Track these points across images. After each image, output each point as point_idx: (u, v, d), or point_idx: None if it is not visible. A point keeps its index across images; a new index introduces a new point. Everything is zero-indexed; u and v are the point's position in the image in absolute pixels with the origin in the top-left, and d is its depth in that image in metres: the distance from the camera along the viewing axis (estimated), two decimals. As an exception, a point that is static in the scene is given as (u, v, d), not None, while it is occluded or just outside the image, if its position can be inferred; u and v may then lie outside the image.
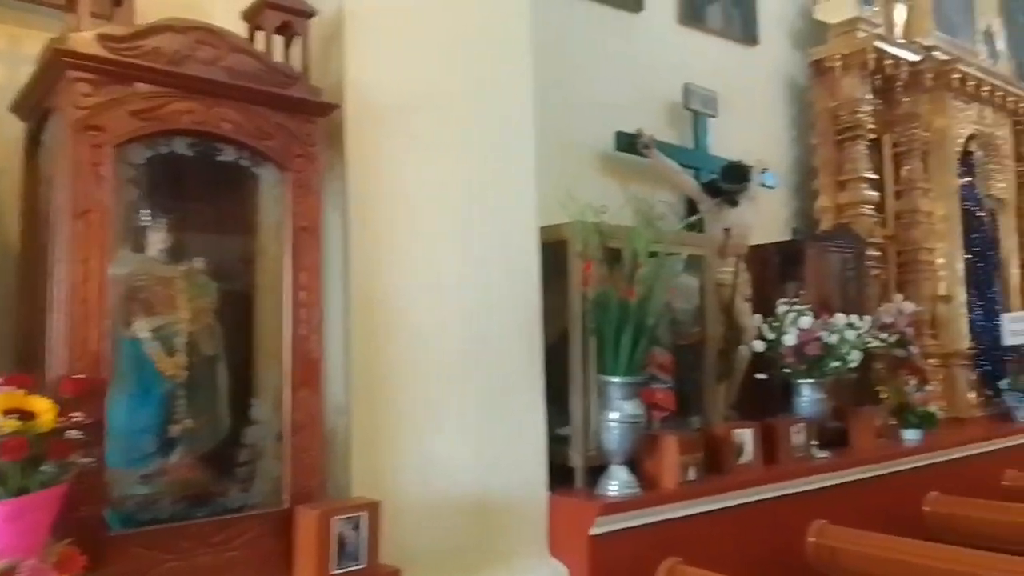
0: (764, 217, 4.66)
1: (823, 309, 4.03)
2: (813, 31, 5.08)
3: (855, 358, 3.81)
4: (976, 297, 5.47)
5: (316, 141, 2.25)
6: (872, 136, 5.04)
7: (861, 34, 4.82)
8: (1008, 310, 5.69)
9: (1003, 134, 5.85)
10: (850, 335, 3.76)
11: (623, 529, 2.83)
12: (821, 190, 4.96)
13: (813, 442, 3.84)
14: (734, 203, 4.11)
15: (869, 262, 4.87)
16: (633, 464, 3.02)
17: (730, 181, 4.01)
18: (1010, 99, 5.71)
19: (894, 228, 5.36)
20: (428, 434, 2.52)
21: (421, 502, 2.49)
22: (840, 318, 3.83)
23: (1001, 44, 6.35)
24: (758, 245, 4.39)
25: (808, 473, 3.55)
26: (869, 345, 3.88)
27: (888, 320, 4.56)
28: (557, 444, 3.10)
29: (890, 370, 4.53)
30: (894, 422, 4.44)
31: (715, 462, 3.37)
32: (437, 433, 2.55)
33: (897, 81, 5.19)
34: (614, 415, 2.90)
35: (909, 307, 4.60)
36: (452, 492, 2.57)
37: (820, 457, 3.79)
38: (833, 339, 3.73)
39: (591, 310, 2.96)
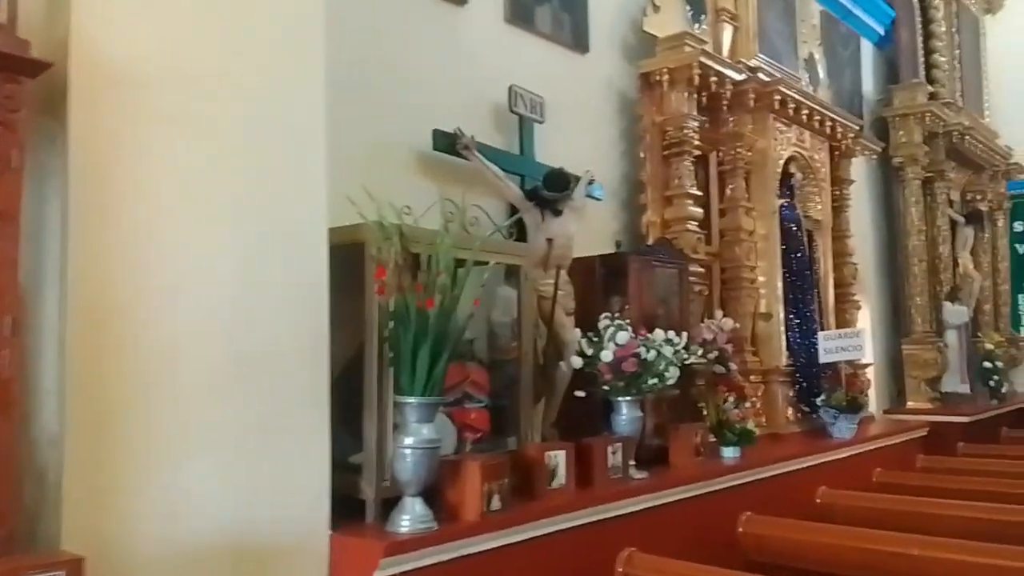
0: (592, 229, 4.52)
1: (645, 324, 3.90)
2: (643, 44, 5.00)
3: (673, 375, 3.68)
4: (794, 315, 5.57)
5: (21, 106, 1.80)
6: (698, 153, 5.01)
7: (688, 49, 4.78)
8: (824, 328, 5.84)
9: (820, 158, 6.04)
10: (667, 351, 3.63)
11: (416, 569, 2.51)
12: (648, 205, 4.88)
13: (631, 462, 3.68)
14: (557, 212, 3.91)
15: (693, 278, 4.83)
16: (432, 494, 2.71)
17: (551, 189, 3.80)
18: (827, 123, 5.90)
19: (719, 245, 5.38)
20: (175, 468, 2.10)
21: (164, 550, 2.06)
22: (659, 334, 3.70)
23: (822, 72, 6.59)
24: (583, 258, 4.22)
25: (623, 496, 3.37)
26: (686, 361, 3.76)
27: (708, 336, 4.51)
28: (351, 474, 2.75)
29: (710, 387, 4.47)
30: (714, 439, 4.39)
31: (527, 487, 3.12)
32: (187, 466, 2.13)
33: (723, 100, 5.21)
34: (408, 440, 2.58)
35: (728, 324, 4.57)
36: (207, 535, 2.16)
37: (638, 478, 3.63)
38: (650, 355, 3.58)
39: (386, 321, 2.63)
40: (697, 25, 5.28)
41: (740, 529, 3.74)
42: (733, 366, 4.53)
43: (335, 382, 2.70)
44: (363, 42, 3.52)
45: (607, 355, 3.50)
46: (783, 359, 5.37)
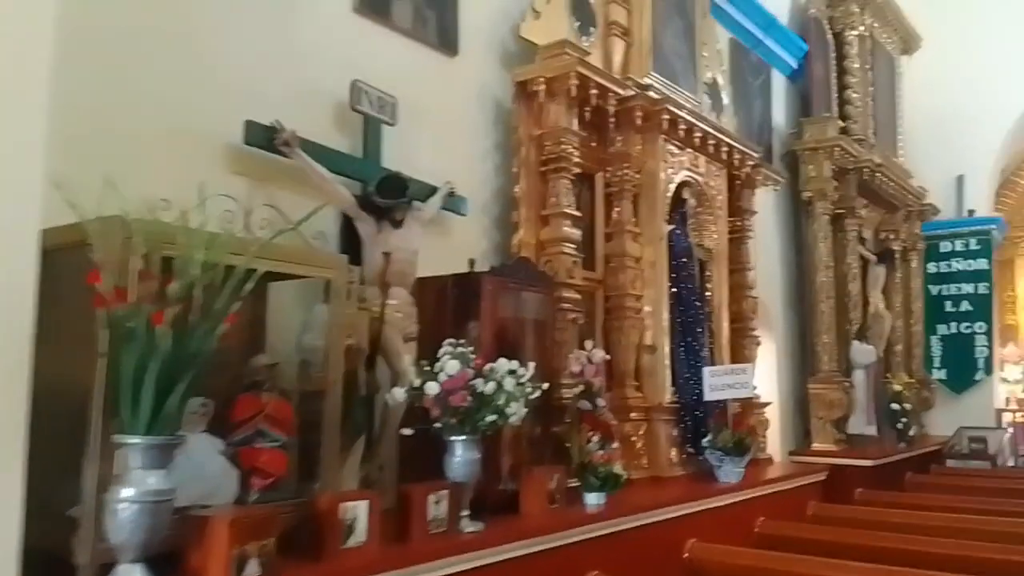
0: (458, 247, 4.05)
1: (500, 353, 3.43)
2: (524, 51, 4.60)
3: (516, 411, 3.20)
4: (683, 349, 5.17)
5: None
6: (578, 171, 4.60)
7: (567, 59, 4.38)
8: (717, 363, 5.46)
9: (717, 185, 5.70)
10: (509, 384, 3.16)
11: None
12: (520, 223, 4.44)
13: (464, 512, 3.19)
14: (397, 223, 3.45)
15: (567, 304, 4.39)
16: (168, 560, 2.18)
17: (385, 195, 3.35)
18: (723, 149, 5.56)
19: (603, 271, 4.96)
20: None
21: None
22: (502, 364, 3.23)
23: (726, 98, 6.29)
24: (434, 277, 3.75)
25: (441, 555, 2.86)
26: (532, 396, 3.29)
27: (575, 369, 4.07)
28: (68, 530, 2.20)
29: (575, 425, 4.01)
30: (577, 483, 3.92)
31: (316, 547, 2.60)
32: None
33: (608, 116, 4.83)
34: (127, 492, 2.04)
35: (599, 355, 4.13)
36: None
37: (469, 531, 3.13)
38: (488, 388, 3.10)
39: (110, 340, 2.11)
40: (585, 38, 4.92)
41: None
42: (601, 402, 4.08)
43: (63, 414, 2.17)
44: (170, 15, 3.02)
45: (433, 387, 3.01)
46: (667, 395, 4.96)
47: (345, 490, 2.90)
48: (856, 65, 8.45)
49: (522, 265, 3.87)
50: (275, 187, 3.27)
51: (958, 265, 10.10)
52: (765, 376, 7.38)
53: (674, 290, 5.20)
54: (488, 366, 3.16)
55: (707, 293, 5.63)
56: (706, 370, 4.94)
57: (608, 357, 4.18)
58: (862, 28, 8.54)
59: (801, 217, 7.86)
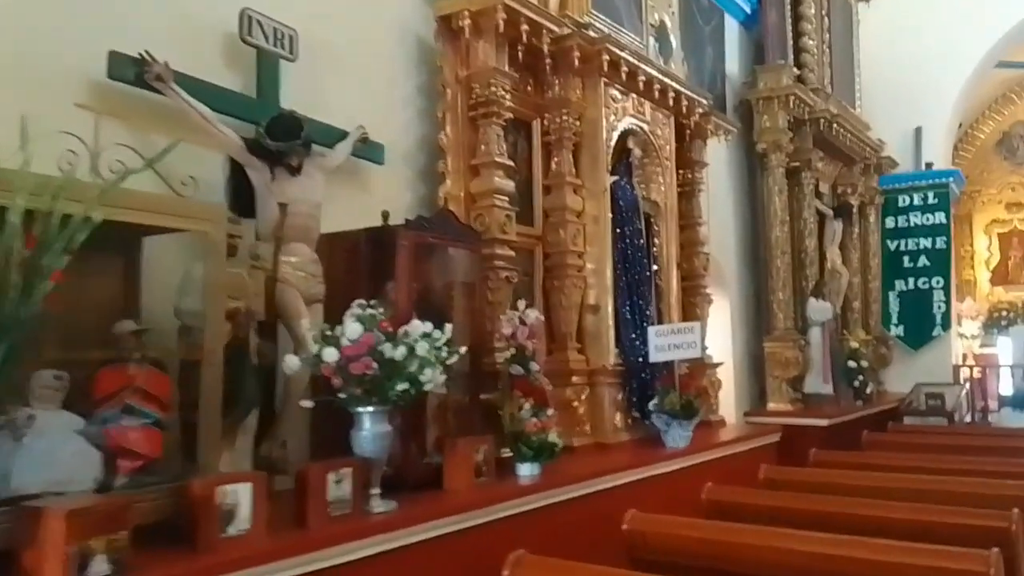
0: (378, 200, 3.69)
1: (418, 315, 3.11)
2: (451, -14, 4.20)
3: (431, 378, 2.89)
4: (628, 308, 4.89)
5: None
6: (511, 116, 4.25)
7: (493, -10, 4.00)
8: (665, 323, 5.19)
9: (664, 134, 5.39)
10: (423, 348, 2.84)
11: None
12: (447, 174, 4.09)
13: (374, 491, 2.88)
14: (294, 170, 3.08)
15: (500, 263, 4.07)
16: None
17: (276, 137, 2.97)
18: (669, 95, 5.23)
19: (542, 227, 4.64)
20: None
21: None
22: (415, 326, 2.91)
23: (675, 42, 5.95)
24: (345, 232, 3.41)
25: (340, 540, 2.55)
26: (450, 361, 2.97)
27: (507, 331, 3.76)
28: None
29: (506, 392, 3.71)
30: (510, 454, 3.64)
31: (191, 536, 2.28)
32: None
33: (544, 58, 4.48)
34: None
35: (532, 316, 3.82)
36: None
37: (378, 511, 2.83)
38: (398, 353, 2.78)
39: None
40: (519, -28, 4.53)
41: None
42: (535, 366, 3.78)
43: None
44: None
45: (331, 354, 2.67)
46: (611, 358, 4.68)
47: (232, 471, 2.57)
48: (812, 11, 8.15)
49: (444, 218, 3.52)
50: (151, 130, 2.88)
51: (916, 220, 9.93)
52: (719, 335, 7.17)
53: (619, 247, 4.89)
54: (402, 329, 2.83)
55: (654, 249, 5.33)
56: (651, 330, 4.66)
57: (542, 318, 3.86)
58: (818, -27, 8.23)
59: (755, 170, 7.59)
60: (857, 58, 9.29)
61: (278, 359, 2.94)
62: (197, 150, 2.95)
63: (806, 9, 8.11)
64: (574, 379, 4.50)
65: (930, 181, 9.86)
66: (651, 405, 4.69)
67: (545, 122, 4.67)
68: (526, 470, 3.59)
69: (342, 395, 2.79)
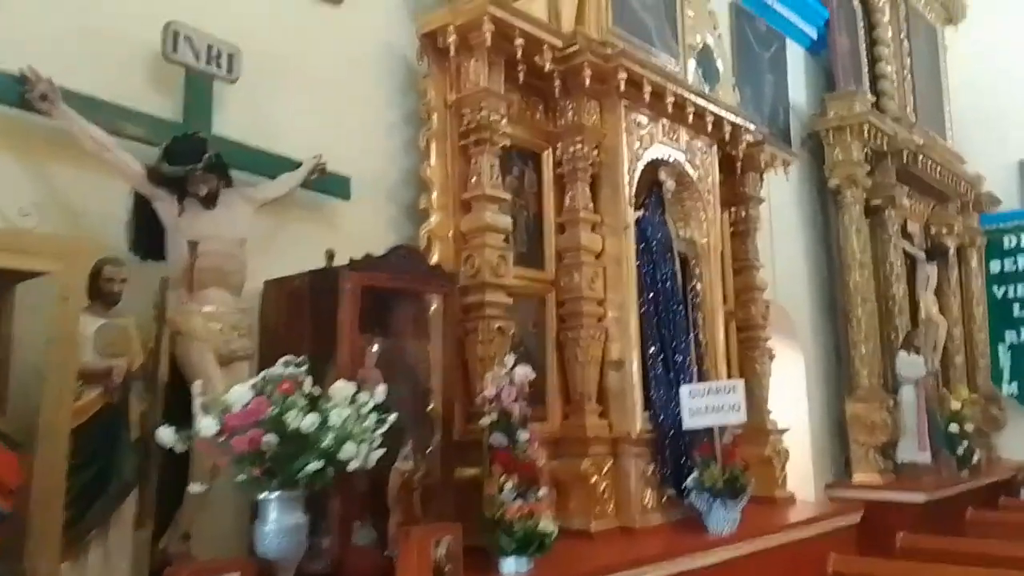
0: (353, 241, 3.10)
1: (355, 375, 2.53)
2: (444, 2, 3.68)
3: (352, 453, 2.27)
4: (661, 364, 4.14)
5: None
6: (507, 143, 3.64)
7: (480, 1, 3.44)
8: (711, 380, 4.40)
9: (706, 164, 4.67)
10: (337, 417, 2.23)
11: None
12: (432, 210, 3.52)
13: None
14: (208, 203, 2.56)
15: (493, 311, 3.45)
16: None
17: (175, 162, 2.46)
18: (711, 120, 4.52)
19: (555, 270, 4.00)
20: None
21: None
22: (338, 389, 2.31)
23: (721, 66, 5.28)
24: (283, 278, 2.87)
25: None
26: (379, 431, 2.35)
27: (490, 392, 3.10)
28: None
29: (486, 466, 3.04)
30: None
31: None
32: None
33: (552, 79, 3.90)
34: None
35: (521, 372, 3.14)
36: None
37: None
38: (306, 423, 2.18)
39: None
40: (518, -14, 4.00)
41: None
42: (523, 435, 3.09)
43: None
44: None
45: (208, 425, 2.09)
46: (638, 423, 3.92)
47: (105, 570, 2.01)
48: (889, 35, 7.33)
49: (404, 257, 2.92)
50: (42, 157, 2.43)
51: (1025, 263, 8.75)
52: (790, 395, 6.27)
53: (649, 292, 4.18)
54: (296, 391, 2.24)
55: (694, 295, 4.57)
56: (684, 389, 3.90)
57: (533, 375, 3.18)
58: (894, -8, 7.42)
59: (829, 208, 6.73)
60: (946, 85, 8.33)
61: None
62: (95, 178, 2.48)
63: (882, 32, 7.29)
64: (593, 448, 3.78)
65: (1039, 220, 8.69)
66: (689, 481, 3.90)
67: (558, 152, 4.06)
68: (510, 567, 2.89)
69: (239, 478, 2.20)
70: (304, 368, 2.34)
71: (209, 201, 2.53)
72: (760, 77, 6.24)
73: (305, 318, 2.82)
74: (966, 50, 8.63)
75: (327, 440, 2.20)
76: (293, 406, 2.19)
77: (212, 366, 2.49)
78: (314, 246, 2.94)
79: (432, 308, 3.33)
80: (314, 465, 2.20)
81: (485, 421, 3.05)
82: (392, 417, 2.39)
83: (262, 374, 2.32)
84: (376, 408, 2.39)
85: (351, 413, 2.28)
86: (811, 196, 6.74)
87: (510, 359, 3.20)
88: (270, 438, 2.11)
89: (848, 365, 6.52)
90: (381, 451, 2.43)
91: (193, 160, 2.46)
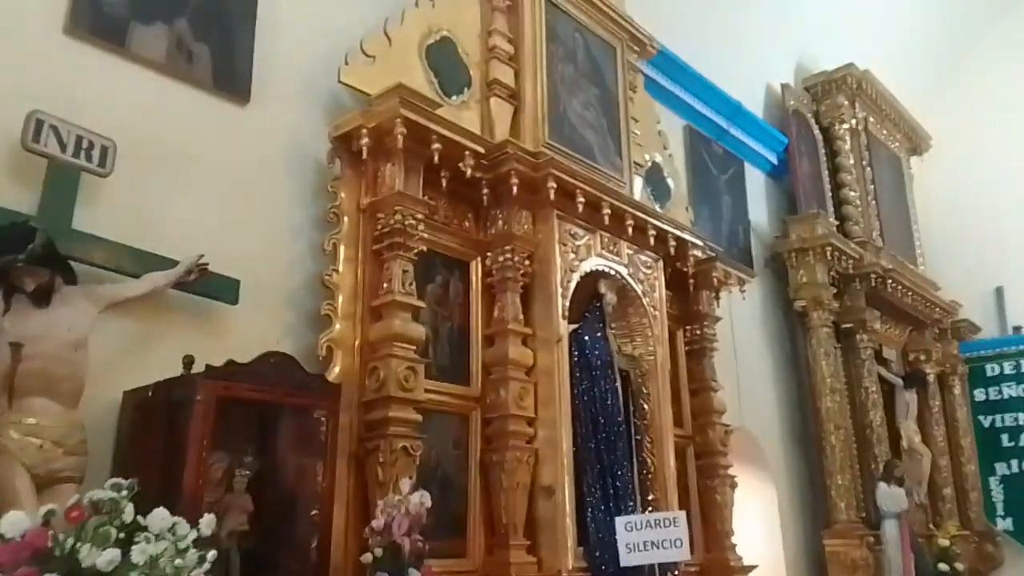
0: (239, 348, 2.75)
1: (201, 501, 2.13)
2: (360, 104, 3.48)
3: (158, 596, 1.83)
4: (599, 492, 3.69)
5: None
6: (423, 248, 3.36)
7: (393, 103, 3.23)
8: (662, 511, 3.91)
9: (650, 279, 4.36)
10: (139, 554, 1.81)
11: None
12: (336, 318, 3.19)
13: None
14: (39, 301, 2.23)
15: (400, 428, 3.05)
16: None
17: (-5, 251, 2.15)
18: (651, 233, 4.22)
19: (480, 386, 3.62)
20: None
21: None
22: (156, 518, 1.90)
23: (673, 185, 5.10)
24: (138, 388, 2.51)
25: None
26: (195, 571, 1.92)
27: (378, 523, 2.66)
28: None
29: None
30: None
31: None
32: None
33: (480, 188, 3.67)
34: None
35: (417, 501, 2.71)
36: None
37: None
38: (102, 561, 1.76)
39: None
40: (456, 96, 3.86)
41: None
42: (416, 574, 2.61)
43: None
44: None
45: (-31, 557, 1.68)
46: (571, 559, 3.42)
47: None
48: (851, 161, 7.24)
49: (275, 365, 2.56)
50: None
51: (1010, 391, 8.28)
52: (762, 528, 5.72)
53: (586, 412, 3.79)
54: (91, 520, 1.83)
55: (640, 417, 4.16)
56: (619, 521, 3.42)
57: (428, 504, 2.74)
58: (853, 122, 7.38)
59: (796, 331, 6.38)
60: (914, 213, 8.18)
61: None
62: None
63: (844, 160, 7.21)
64: (524, 589, 3.27)
65: (1020, 347, 8.30)
66: (631, 627, 3.37)
67: (488, 261, 3.78)
68: None
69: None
70: (126, 492, 1.94)
71: (40, 298, 2.21)
72: (718, 198, 6.07)
73: (159, 433, 2.43)
74: (937, 178, 8.57)
75: (129, 578, 1.77)
76: (92, 538, 1.77)
77: (23, 486, 2.08)
78: (199, 354, 2.59)
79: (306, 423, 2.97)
80: (110, 612, 1.76)
81: (367, 558, 2.59)
82: (211, 554, 1.96)
83: (80, 496, 1.93)
84: (201, 542, 1.96)
85: (168, 548, 1.86)
86: (777, 318, 6.42)
87: (406, 484, 2.78)
88: (49, 579, 1.69)
89: (824, 497, 5.98)
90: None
91: (14, 250, 2.15)
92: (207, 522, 1.98)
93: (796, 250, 6.29)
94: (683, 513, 3.52)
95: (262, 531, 2.61)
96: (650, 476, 4.07)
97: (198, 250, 2.84)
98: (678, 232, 4.44)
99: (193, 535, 1.93)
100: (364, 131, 3.28)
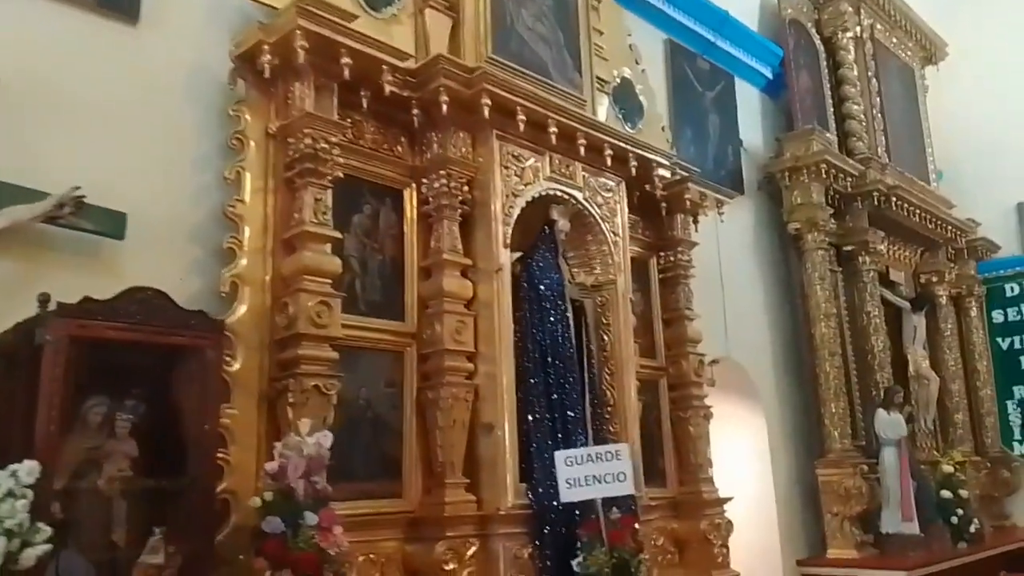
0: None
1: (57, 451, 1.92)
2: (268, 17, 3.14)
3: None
4: (547, 428, 3.43)
5: None
6: (339, 174, 3.06)
7: (290, 14, 2.91)
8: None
9: (610, 203, 4.01)
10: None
11: None
12: (241, 252, 2.93)
13: None
14: None
15: (311, 366, 2.82)
16: None
17: None
18: (608, 154, 3.86)
19: (415, 321, 3.36)
20: None
21: None
22: None
23: (646, 102, 4.69)
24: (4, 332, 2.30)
25: None
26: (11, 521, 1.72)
27: (272, 467, 2.45)
28: None
29: (248, 559, 2.36)
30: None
31: None
32: None
33: (411, 109, 3.35)
34: None
35: (315, 443, 2.48)
36: None
37: None
38: None
39: None
40: (385, 8, 3.50)
41: None
42: (312, 518, 2.41)
43: None
44: None
45: None
46: (510, 496, 3.20)
47: None
48: (855, 73, 6.68)
49: (142, 302, 2.32)
50: None
51: (1031, 311, 7.81)
52: (752, 461, 5.46)
53: (532, 344, 3.51)
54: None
55: (600, 348, 3.88)
56: (559, 455, 3.16)
57: (328, 446, 2.52)
58: (858, 29, 6.79)
59: (791, 257, 5.98)
60: (926, 127, 7.59)
61: None
62: None
63: (848, 71, 6.64)
64: (453, 529, 3.06)
65: (1042, 265, 7.78)
66: (575, 566, 3.15)
67: (423, 189, 3.47)
68: None
69: None
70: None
71: None
72: (703, 117, 5.62)
73: (20, 377, 2.23)
74: (954, 89, 7.92)
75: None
76: None
77: None
78: (86, 294, 2.37)
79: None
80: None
81: (255, 502, 2.38)
82: (23, 503, 1.75)
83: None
84: (29, 489, 1.76)
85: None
86: (771, 243, 6.02)
87: (305, 424, 2.55)
88: None
89: (818, 427, 5.66)
90: (43, 547, 1.79)
91: None
92: (27, 469, 1.76)
93: (789, 169, 5.84)
94: (626, 445, 3.26)
95: (154, 477, 2.43)
96: (610, 410, 3.80)
97: (85, 184, 2.59)
98: (640, 151, 4.06)
99: (10, 483, 1.72)
100: (266, 47, 2.96)
